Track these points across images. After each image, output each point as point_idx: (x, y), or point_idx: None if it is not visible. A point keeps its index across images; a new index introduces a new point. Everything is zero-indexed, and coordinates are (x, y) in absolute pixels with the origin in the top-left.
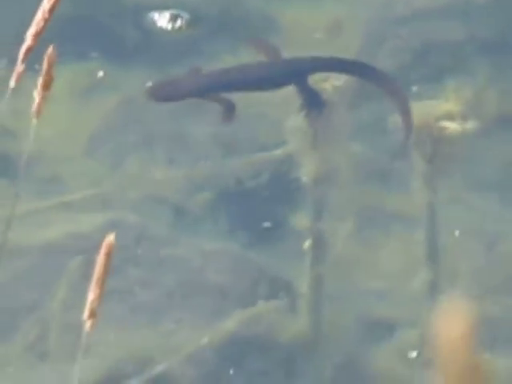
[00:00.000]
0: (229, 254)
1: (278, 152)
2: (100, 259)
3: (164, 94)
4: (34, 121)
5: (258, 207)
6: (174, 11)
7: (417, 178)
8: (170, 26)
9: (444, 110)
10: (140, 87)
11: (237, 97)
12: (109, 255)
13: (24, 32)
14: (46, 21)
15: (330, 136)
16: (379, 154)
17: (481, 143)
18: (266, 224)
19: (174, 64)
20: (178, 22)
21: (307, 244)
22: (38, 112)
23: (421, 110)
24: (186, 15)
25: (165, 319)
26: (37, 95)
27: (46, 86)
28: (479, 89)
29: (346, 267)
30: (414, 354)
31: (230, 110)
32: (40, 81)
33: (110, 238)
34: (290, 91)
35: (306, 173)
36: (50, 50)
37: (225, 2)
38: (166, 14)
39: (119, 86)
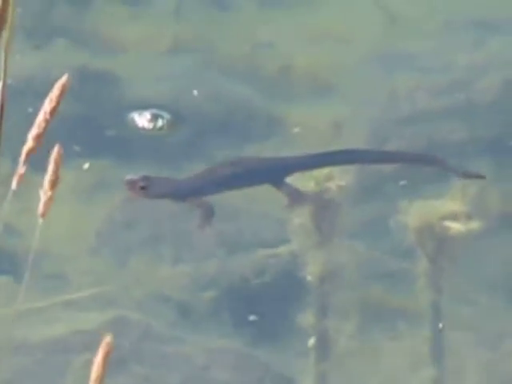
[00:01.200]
0: (233, 352)
1: (283, 250)
2: (98, 359)
3: (146, 190)
4: (40, 220)
5: (263, 305)
6: (155, 111)
7: (421, 276)
8: (151, 126)
9: (448, 209)
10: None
11: (240, 194)
12: (107, 355)
13: (27, 131)
14: (47, 122)
15: (333, 235)
16: (383, 253)
17: (484, 242)
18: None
19: (153, 163)
20: (159, 122)
21: (311, 341)
22: (45, 212)
23: (424, 209)
24: (167, 115)
25: None
26: (43, 195)
27: (53, 186)
28: (482, 188)
29: (350, 364)
30: None
31: (208, 214)
32: (46, 181)
33: (108, 338)
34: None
35: (310, 271)
36: (56, 149)
37: (222, 103)
38: (147, 114)
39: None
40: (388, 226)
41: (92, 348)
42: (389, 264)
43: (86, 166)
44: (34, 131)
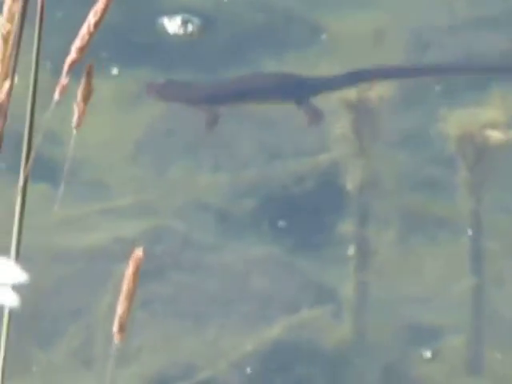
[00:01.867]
0: (273, 260)
1: (323, 158)
2: (128, 273)
3: (163, 93)
4: (75, 132)
5: (303, 213)
6: (185, 16)
7: (461, 185)
8: (181, 31)
9: (488, 118)
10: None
11: (280, 105)
12: (138, 269)
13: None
14: (91, 35)
15: (373, 144)
16: (423, 162)
17: None
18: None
19: (181, 69)
20: (189, 28)
21: (351, 250)
22: (79, 124)
23: (464, 118)
24: (197, 20)
25: (208, 325)
26: (76, 108)
27: (86, 99)
28: None
29: (390, 274)
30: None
31: (211, 122)
32: (79, 93)
33: (139, 251)
34: (334, 100)
35: (350, 180)
36: (90, 61)
37: (248, 6)
38: (177, 19)
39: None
40: (428, 134)
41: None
42: (429, 173)
43: (115, 71)
44: (77, 43)
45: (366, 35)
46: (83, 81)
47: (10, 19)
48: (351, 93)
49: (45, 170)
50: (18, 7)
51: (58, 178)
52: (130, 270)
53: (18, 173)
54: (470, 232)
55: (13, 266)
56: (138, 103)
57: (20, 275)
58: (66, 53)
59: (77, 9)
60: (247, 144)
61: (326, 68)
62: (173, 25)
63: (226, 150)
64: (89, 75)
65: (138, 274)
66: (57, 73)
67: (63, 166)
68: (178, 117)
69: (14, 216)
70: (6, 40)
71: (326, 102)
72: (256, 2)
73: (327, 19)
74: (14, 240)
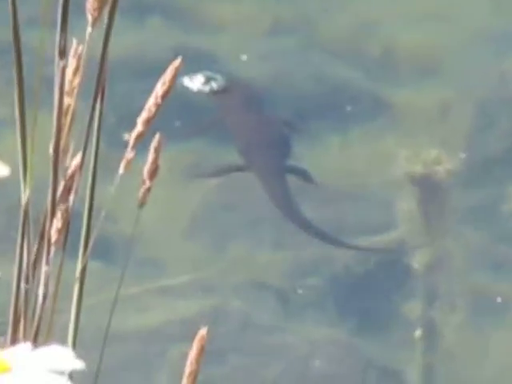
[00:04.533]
0: (336, 343)
1: (388, 236)
2: (192, 354)
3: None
4: (139, 210)
5: (367, 294)
6: (208, 74)
7: None
8: (205, 89)
9: None
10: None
11: (343, 175)
12: (202, 349)
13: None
14: (158, 106)
15: (441, 221)
16: (493, 241)
17: None
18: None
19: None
20: (213, 85)
21: (418, 333)
22: (143, 202)
23: None
24: (219, 78)
25: None
26: (142, 185)
27: (152, 176)
28: None
29: (458, 357)
30: None
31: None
32: (145, 170)
33: (203, 331)
34: (399, 175)
35: (417, 258)
36: (157, 137)
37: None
38: (200, 77)
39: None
40: (498, 211)
41: (189, 338)
42: (499, 252)
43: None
44: (143, 115)
45: (432, 108)
46: (151, 156)
47: (71, 93)
48: (417, 167)
49: (99, 248)
50: (78, 81)
51: (113, 256)
52: (193, 351)
53: (75, 250)
54: None
55: (70, 353)
56: (192, 175)
57: (76, 363)
58: (119, 125)
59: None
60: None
61: (392, 143)
62: (195, 83)
63: (288, 226)
64: (157, 150)
65: (201, 354)
66: (110, 146)
67: (118, 244)
68: (235, 190)
69: (69, 297)
70: (65, 114)
71: (391, 176)
72: (322, 76)
73: (390, 92)
74: (72, 328)
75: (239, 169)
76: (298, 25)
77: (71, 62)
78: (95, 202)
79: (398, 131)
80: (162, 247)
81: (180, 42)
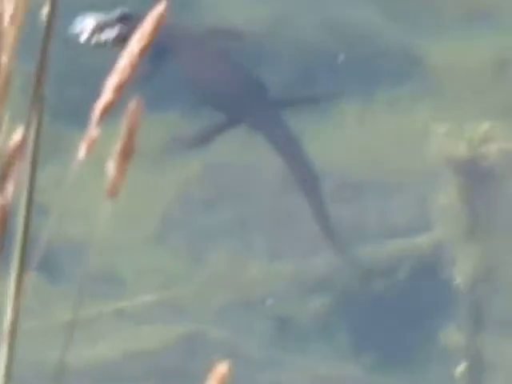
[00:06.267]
0: (349, 381)
1: (422, 240)
2: None
3: None
4: (108, 203)
5: (392, 316)
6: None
7: None
8: None
9: None
10: None
11: (367, 163)
12: None
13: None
14: (134, 68)
15: (491, 220)
16: None
17: None
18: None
19: None
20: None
21: (461, 367)
22: (113, 191)
23: None
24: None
25: None
26: (113, 168)
27: (126, 156)
28: None
29: None
30: None
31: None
32: (117, 149)
33: (223, 368)
34: (436, 158)
35: (459, 269)
36: (134, 103)
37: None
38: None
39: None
40: None
41: (155, 376)
42: None
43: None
44: (114, 79)
45: (483, 66)
46: (124, 132)
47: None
48: (460, 148)
49: (42, 257)
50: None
51: (59, 267)
52: None
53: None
54: None
55: None
56: (167, 160)
57: None
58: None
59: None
60: (313, 222)
61: (426, 113)
62: None
63: (286, 229)
64: (132, 121)
65: None
66: (55, 120)
67: (66, 252)
68: (217, 180)
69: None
70: None
71: (425, 159)
72: (338, 24)
73: (425, 44)
74: (4, 361)
75: (226, 126)
76: None
77: (7, 5)
78: (36, 196)
79: (435, 98)
80: (121, 256)
81: None
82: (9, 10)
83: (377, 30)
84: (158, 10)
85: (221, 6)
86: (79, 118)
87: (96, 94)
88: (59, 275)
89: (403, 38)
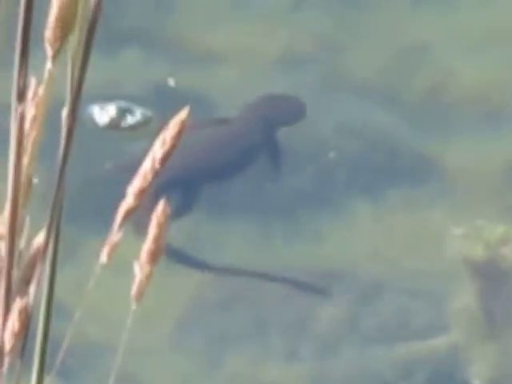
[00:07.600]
0: None
1: (438, 342)
2: None
3: None
4: (134, 306)
5: None
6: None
7: None
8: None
9: None
10: None
11: (381, 260)
12: None
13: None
14: (156, 173)
15: (510, 323)
16: None
17: None
18: None
19: None
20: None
21: None
22: (140, 294)
23: None
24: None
25: None
26: (139, 271)
27: (154, 259)
28: None
29: None
30: None
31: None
32: (144, 251)
33: None
34: (454, 260)
35: (476, 373)
36: (162, 205)
37: None
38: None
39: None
40: None
41: None
42: None
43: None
44: (136, 184)
45: (498, 169)
46: (151, 234)
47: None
48: (477, 249)
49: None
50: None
51: (72, 370)
52: None
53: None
54: None
55: None
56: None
57: None
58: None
59: None
60: (331, 321)
61: (442, 216)
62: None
63: (304, 329)
64: (161, 223)
65: None
66: (71, 222)
67: (84, 355)
68: (233, 283)
69: None
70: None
71: (441, 261)
72: (351, 125)
73: (439, 147)
74: None
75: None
76: (318, 54)
77: (29, 108)
78: (56, 299)
79: (451, 200)
80: (138, 359)
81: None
82: (30, 113)
83: (393, 131)
84: (182, 115)
85: None
86: (96, 221)
87: (114, 197)
88: (77, 378)
89: (419, 140)
